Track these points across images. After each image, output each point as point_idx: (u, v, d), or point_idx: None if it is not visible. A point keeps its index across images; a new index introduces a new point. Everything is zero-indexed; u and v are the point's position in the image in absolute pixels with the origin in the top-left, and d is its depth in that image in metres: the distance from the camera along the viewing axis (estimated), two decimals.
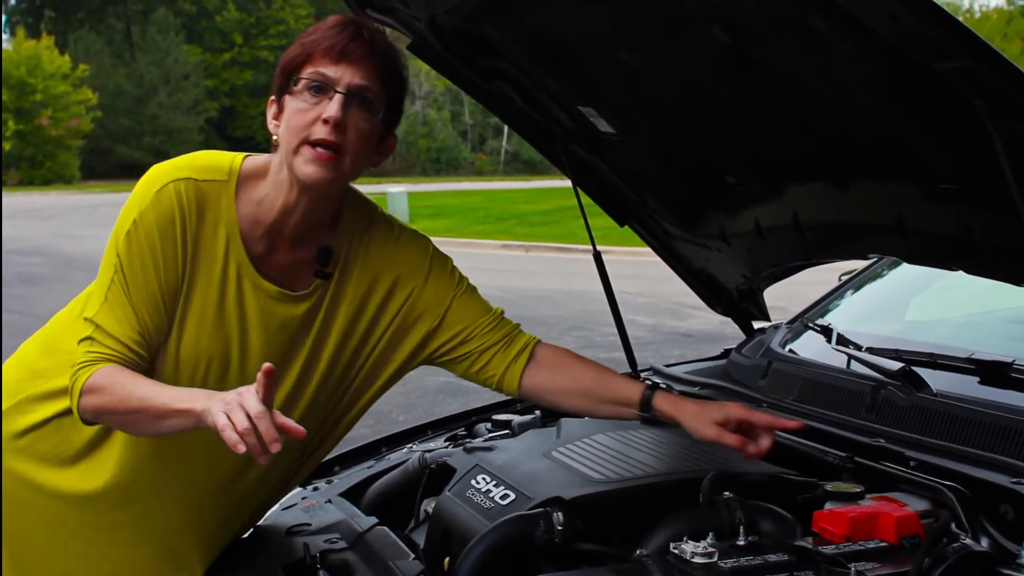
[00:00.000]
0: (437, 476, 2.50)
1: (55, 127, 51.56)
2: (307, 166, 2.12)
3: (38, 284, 16.23)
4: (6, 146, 50.20)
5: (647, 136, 2.70)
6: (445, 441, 2.85)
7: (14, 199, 39.36)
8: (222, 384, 2.20)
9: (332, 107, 2.11)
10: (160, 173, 2.19)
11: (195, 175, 2.19)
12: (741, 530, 1.92)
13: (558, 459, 2.29)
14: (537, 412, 2.82)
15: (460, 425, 2.98)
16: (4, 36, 57.58)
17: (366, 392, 2.44)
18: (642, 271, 19.52)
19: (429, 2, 2.51)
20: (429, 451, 2.63)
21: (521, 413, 2.89)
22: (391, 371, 2.41)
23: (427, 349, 2.40)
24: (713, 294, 3.21)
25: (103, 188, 46.18)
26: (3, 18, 61.30)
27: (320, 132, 2.11)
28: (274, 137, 2.20)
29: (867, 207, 2.31)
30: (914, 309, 3.37)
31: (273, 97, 2.22)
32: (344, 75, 2.13)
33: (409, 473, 2.57)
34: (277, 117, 2.20)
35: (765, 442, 2.19)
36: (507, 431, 2.74)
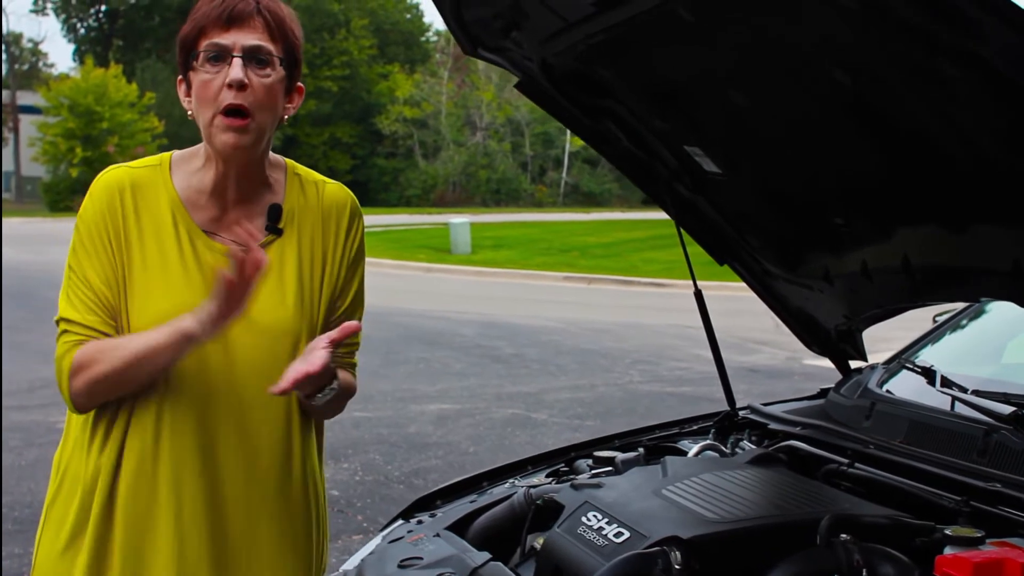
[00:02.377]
0: (543, 512, 2.51)
1: (121, 154, 52.21)
2: (224, 135, 2.26)
3: None
4: (73, 173, 51.04)
5: (753, 176, 2.71)
6: (546, 477, 2.86)
7: None
8: (217, 344, 2.30)
9: (233, 71, 2.23)
10: (99, 174, 2.39)
11: (128, 165, 2.40)
12: (864, 573, 1.92)
13: (670, 497, 2.29)
14: (640, 450, 2.83)
15: (560, 461, 2.98)
16: (73, 64, 58.49)
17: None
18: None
19: (542, 43, 2.54)
20: (534, 486, 2.64)
21: (623, 450, 2.90)
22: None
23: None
24: (811, 334, 3.21)
25: None
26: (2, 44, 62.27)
27: (228, 97, 2.23)
28: (189, 113, 2.32)
29: (984, 251, 2.31)
30: (1011, 352, 3.34)
31: (180, 76, 2.34)
32: (236, 39, 2.25)
33: (515, 508, 2.58)
34: (188, 95, 2.32)
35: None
36: (610, 468, 2.74)
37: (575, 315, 17.42)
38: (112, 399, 2.31)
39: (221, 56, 2.25)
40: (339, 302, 2.48)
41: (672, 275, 23.77)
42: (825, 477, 2.55)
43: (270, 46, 2.28)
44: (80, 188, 51.03)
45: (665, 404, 10.39)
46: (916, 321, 3.53)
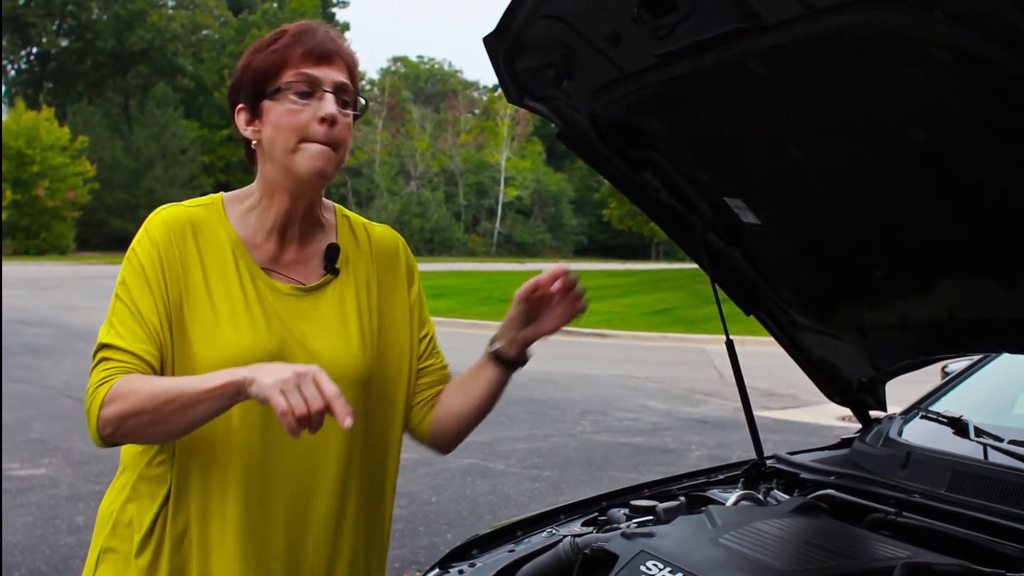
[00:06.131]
0: (592, 561, 2.49)
1: (52, 198, 51.65)
2: (311, 160, 2.23)
3: (47, 355, 16.19)
4: (2, 216, 50.33)
5: (795, 228, 2.74)
6: (583, 526, 2.85)
7: (11, 268, 39.36)
8: None
9: (328, 106, 2.23)
10: (152, 212, 2.36)
11: (183, 205, 2.37)
12: None
13: (730, 546, 2.29)
14: (682, 498, 2.83)
15: (592, 510, 2.97)
16: (3, 106, 57.90)
17: (400, 406, 2.49)
18: (647, 356, 19.63)
19: (594, 94, 2.56)
20: (578, 535, 2.62)
21: (657, 499, 2.90)
22: (406, 381, 2.49)
23: (417, 354, 2.51)
24: (832, 384, 3.23)
25: (98, 259, 46.27)
26: (3, 89, 61.52)
27: (318, 130, 2.23)
28: (253, 143, 2.29)
29: None
30: (1023, 403, 3.40)
31: (242, 105, 2.30)
32: (328, 75, 2.25)
33: (561, 557, 2.56)
34: (252, 123, 2.29)
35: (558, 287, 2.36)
36: (651, 516, 2.74)
37: None
38: (142, 441, 2.24)
39: (311, 90, 2.24)
40: (422, 331, 2.53)
41: (612, 326, 23.91)
42: (870, 526, 2.56)
43: (351, 86, 2.29)
44: (8, 231, 50.41)
45: (620, 455, 10.41)
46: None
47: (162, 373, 2.23)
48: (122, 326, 2.22)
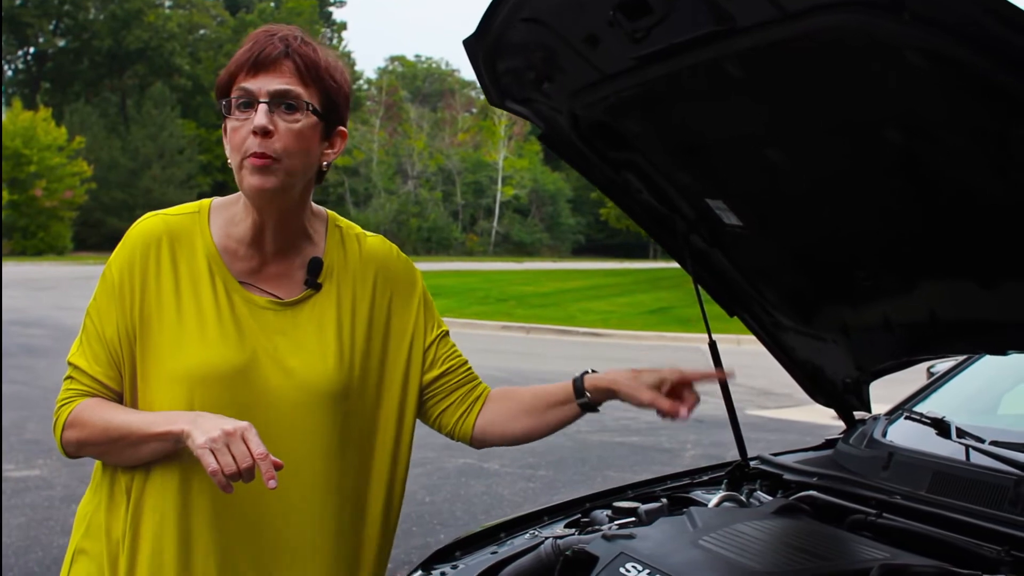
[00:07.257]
0: (572, 563, 2.50)
1: (49, 198, 51.63)
2: (249, 177, 2.19)
3: (43, 356, 16.16)
4: None
5: (777, 230, 2.74)
6: (565, 527, 2.86)
7: (8, 269, 39.34)
8: (253, 399, 2.26)
9: (258, 117, 2.17)
10: (135, 222, 2.36)
11: (165, 213, 2.35)
12: None
13: (709, 548, 2.30)
14: (664, 500, 2.83)
15: (576, 511, 2.98)
16: (1, 107, 57.90)
17: (386, 425, 2.45)
18: (644, 355, 19.62)
19: (573, 95, 2.56)
20: (559, 537, 2.63)
21: (640, 501, 2.90)
22: (397, 398, 2.45)
23: (421, 376, 2.49)
24: (816, 385, 3.23)
25: (96, 259, 46.18)
26: (1, 88, 61.56)
27: (252, 144, 2.18)
28: (230, 162, 2.26)
29: (1015, 305, 2.36)
30: (1007, 404, 3.41)
31: (223, 124, 2.29)
32: (263, 84, 2.19)
33: (542, 559, 2.57)
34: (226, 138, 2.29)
35: (691, 397, 2.44)
36: (632, 518, 2.74)
37: (515, 364, 17.42)
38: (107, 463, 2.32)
39: (249, 103, 2.20)
40: (432, 335, 2.51)
41: (609, 325, 23.94)
42: (851, 527, 2.57)
43: (299, 90, 2.21)
44: (5, 231, 50.36)
45: (616, 454, 10.41)
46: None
47: (122, 391, 2.28)
48: (88, 347, 2.29)
